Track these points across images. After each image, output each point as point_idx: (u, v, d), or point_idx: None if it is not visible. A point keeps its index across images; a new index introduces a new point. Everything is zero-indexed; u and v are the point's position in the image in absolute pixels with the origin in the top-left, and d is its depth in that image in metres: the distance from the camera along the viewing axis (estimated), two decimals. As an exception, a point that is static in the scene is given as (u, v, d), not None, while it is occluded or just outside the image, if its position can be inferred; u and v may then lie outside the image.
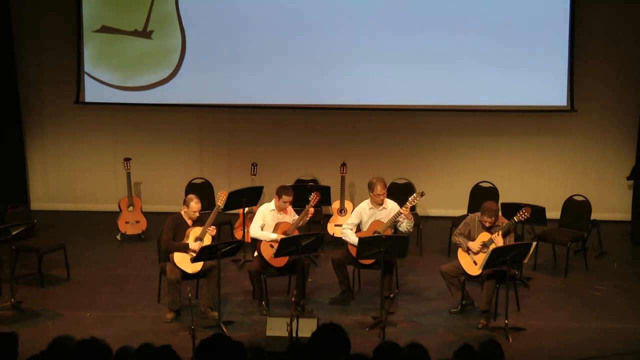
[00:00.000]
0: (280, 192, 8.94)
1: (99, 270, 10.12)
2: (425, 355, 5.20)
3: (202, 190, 11.06)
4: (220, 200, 8.94)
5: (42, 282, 9.52)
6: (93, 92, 12.13)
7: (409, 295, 9.30)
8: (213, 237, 8.77)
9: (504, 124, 12.19)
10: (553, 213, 10.44)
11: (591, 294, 9.44)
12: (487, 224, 8.57)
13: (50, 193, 12.64)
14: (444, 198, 12.08)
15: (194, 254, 8.48)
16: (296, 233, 8.82)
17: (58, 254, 9.82)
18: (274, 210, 8.99)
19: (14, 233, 8.92)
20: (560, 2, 11.55)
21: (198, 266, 8.59)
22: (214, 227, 8.81)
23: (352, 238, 8.88)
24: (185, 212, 8.76)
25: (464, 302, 8.76)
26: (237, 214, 10.70)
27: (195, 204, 8.72)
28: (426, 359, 5.19)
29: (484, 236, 8.59)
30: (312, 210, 9.00)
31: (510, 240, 8.55)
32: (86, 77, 12.09)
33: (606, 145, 12.11)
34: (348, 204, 11.02)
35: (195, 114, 12.33)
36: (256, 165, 11.40)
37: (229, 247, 8.31)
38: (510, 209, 9.27)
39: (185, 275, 8.59)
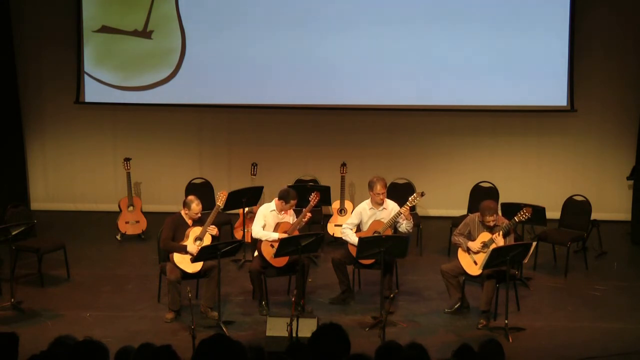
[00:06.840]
0: (288, 197, 8.90)
1: (99, 270, 10.12)
2: (425, 355, 5.19)
3: (202, 190, 11.05)
4: (220, 200, 8.93)
5: (42, 282, 9.52)
6: (93, 92, 12.12)
7: (409, 295, 9.30)
8: (214, 237, 8.76)
9: (504, 124, 12.19)
10: (553, 213, 10.42)
11: (591, 294, 9.44)
12: (491, 223, 8.55)
13: (50, 193, 12.63)
14: (444, 198, 12.07)
15: (192, 256, 8.49)
16: (296, 233, 8.82)
17: (58, 254, 9.82)
18: (274, 210, 8.99)
19: (14, 233, 8.92)
20: (560, 2, 11.55)
21: (198, 266, 8.58)
22: (214, 226, 8.81)
23: (352, 238, 8.88)
24: (186, 213, 8.76)
25: (459, 304, 8.75)
26: (237, 214, 10.69)
27: (196, 206, 8.72)
28: (426, 359, 5.19)
29: (485, 236, 8.59)
30: (309, 214, 9.00)
31: (511, 240, 8.54)
32: (86, 77, 12.08)
33: (606, 145, 12.09)
34: (348, 204, 11.01)
35: (195, 114, 12.33)
36: (256, 165, 11.39)
37: (229, 247, 8.31)
38: (511, 209, 9.27)
39: (185, 275, 8.59)
